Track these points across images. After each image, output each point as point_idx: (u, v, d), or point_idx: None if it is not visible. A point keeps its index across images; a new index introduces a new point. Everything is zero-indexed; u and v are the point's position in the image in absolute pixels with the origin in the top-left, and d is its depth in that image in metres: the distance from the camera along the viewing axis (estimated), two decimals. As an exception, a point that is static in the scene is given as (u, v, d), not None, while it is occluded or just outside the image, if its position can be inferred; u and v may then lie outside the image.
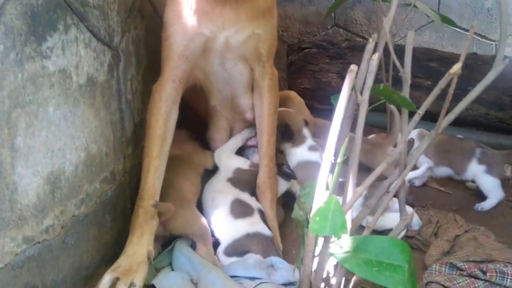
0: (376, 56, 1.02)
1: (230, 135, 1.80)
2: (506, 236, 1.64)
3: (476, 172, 1.87)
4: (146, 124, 1.46)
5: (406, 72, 1.08)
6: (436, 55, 2.52)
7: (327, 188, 1.00)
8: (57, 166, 1.13)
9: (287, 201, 1.75)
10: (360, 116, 1.06)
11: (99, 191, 1.32)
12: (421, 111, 1.02)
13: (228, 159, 1.69)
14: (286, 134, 1.78)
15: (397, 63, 1.08)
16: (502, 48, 1.18)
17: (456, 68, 0.92)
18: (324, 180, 1.00)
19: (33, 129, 1.03)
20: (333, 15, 3.04)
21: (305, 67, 2.61)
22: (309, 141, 1.80)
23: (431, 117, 2.62)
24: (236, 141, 1.76)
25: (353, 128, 1.07)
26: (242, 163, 1.70)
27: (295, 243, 1.58)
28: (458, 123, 2.38)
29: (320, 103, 2.66)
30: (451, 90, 1.00)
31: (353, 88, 1.03)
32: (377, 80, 1.08)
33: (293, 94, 2.03)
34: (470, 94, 1.17)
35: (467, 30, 3.05)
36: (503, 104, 2.32)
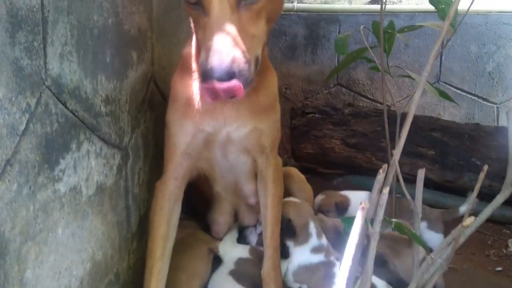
0: (387, 190, 1.03)
1: (234, 218, 1.80)
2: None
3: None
4: (149, 223, 1.45)
5: (418, 206, 1.08)
6: (439, 125, 2.53)
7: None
8: (63, 287, 1.11)
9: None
10: (371, 247, 1.06)
11: (103, 297, 1.30)
12: (433, 256, 1.03)
13: (232, 248, 1.68)
14: (288, 230, 1.65)
15: (408, 197, 1.08)
16: (510, 174, 1.19)
17: (469, 221, 0.92)
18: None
19: (42, 257, 1.02)
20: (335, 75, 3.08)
21: (309, 132, 2.62)
22: (313, 241, 1.65)
23: (434, 185, 2.62)
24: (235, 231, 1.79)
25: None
26: (242, 251, 1.68)
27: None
28: (460, 193, 2.38)
29: (323, 168, 2.67)
30: (457, 238, 1.01)
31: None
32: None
33: (293, 171, 2.03)
34: (480, 216, 1.18)
35: (469, 93, 3.08)
36: (506, 177, 2.32)
